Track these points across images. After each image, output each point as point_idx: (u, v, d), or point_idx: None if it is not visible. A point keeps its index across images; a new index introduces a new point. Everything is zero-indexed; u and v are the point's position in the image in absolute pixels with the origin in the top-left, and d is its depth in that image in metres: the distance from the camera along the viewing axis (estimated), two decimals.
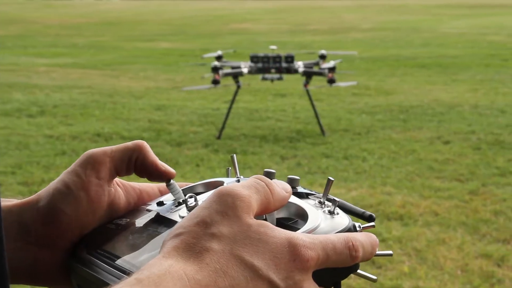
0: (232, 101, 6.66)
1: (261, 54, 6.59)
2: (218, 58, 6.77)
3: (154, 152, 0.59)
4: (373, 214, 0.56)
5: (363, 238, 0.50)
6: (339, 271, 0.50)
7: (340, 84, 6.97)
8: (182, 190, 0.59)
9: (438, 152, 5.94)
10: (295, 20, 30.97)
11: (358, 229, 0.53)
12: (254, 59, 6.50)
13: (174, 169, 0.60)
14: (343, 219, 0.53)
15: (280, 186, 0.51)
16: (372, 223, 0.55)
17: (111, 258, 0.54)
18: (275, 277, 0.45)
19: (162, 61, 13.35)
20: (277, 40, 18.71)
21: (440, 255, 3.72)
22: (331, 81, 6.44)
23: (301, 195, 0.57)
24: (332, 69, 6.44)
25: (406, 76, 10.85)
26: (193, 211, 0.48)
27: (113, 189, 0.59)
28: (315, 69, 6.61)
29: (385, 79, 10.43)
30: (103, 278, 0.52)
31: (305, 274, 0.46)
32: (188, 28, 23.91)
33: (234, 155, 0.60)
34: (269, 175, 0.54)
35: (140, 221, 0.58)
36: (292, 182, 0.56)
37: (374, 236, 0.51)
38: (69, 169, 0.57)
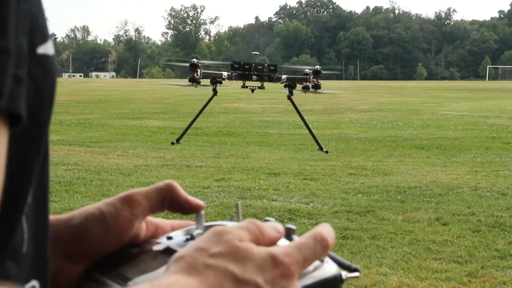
0: (206, 105, 6.59)
1: (242, 61, 6.50)
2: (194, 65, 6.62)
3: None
4: (358, 267, 0.66)
5: (325, 228, 0.61)
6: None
7: (324, 91, 6.87)
8: (187, 229, 0.70)
9: (436, 233, 6.01)
10: None
11: (344, 277, 0.63)
12: (235, 66, 6.41)
13: None
14: (331, 267, 0.62)
15: (272, 227, 0.61)
16: (357, 273, 0.65)
17: (124, 279, 0.62)
18: (263, 284, 0.54)
19: (152, 139, 13.53)
20: (271, 119, 19.04)
21: None
22: (316, 87, 6.36)
23: None
24: (317, 73, 6.32)
25: (404, 157, 11.02)
26: (191, 242, 0.59)
27: (140, 225, 0.69)
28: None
29: (382, 160, 10.60)
30: None
31: (290, 279, 0.56)
32: (180, 106, 24.27)
33: (240, 202, 0.70)
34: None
35: (150, 252, 0.66)
36: (289, 231, 0.64)
37: (328, 224, 0.62)
38: (107, 200, 0.67)
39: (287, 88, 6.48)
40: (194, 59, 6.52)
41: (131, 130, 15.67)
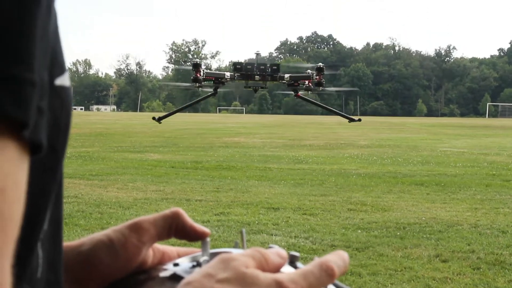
0: (203, 98, 6.58)
1: (244, 61, 6.51)
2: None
3: None
4: None
5: (334, 257, 0.61)
6: None
7: (328, 89, 6.86)
8: (193, 256, 0.72)
9: (436, 270, 6.00)
10: (291, 135, 31.60)
11: None
12: (237, 66, 6.39)
13: None
14: None
15: (276, 253, 0.63)
16: None
17: None
18: None
19: (151, 173, 13.55)
20: (271, 154, 19.07)
21: None
22: (319, 84, 6.33)
23: None
24: (320, 70, 6.27)
25: (403, 193, 11.03)
26: (197, 269, 0.61)
27: (147, 252, 0.71)
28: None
29: (382, 196, 10.61)
30: None
31: None
32: (180, 140, 24.29)
33: (244, 230, 0.72)
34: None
35: (158, 278, 0.68)
36: (293, 258, 0.66)
37: (342, 252, 0.63)
38: (116, 227, 0.70)
39: (290, 88, 6.45)
40: (197, 60, 6.60)
41: (131, 163, 15.68)
